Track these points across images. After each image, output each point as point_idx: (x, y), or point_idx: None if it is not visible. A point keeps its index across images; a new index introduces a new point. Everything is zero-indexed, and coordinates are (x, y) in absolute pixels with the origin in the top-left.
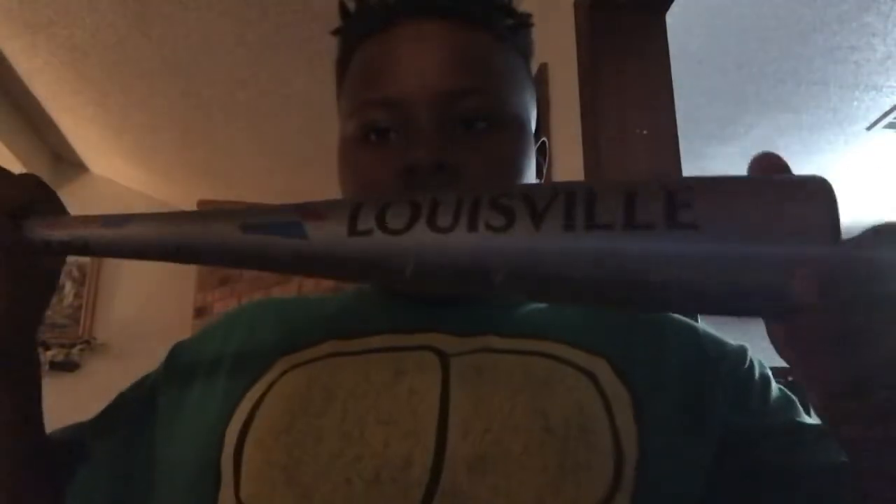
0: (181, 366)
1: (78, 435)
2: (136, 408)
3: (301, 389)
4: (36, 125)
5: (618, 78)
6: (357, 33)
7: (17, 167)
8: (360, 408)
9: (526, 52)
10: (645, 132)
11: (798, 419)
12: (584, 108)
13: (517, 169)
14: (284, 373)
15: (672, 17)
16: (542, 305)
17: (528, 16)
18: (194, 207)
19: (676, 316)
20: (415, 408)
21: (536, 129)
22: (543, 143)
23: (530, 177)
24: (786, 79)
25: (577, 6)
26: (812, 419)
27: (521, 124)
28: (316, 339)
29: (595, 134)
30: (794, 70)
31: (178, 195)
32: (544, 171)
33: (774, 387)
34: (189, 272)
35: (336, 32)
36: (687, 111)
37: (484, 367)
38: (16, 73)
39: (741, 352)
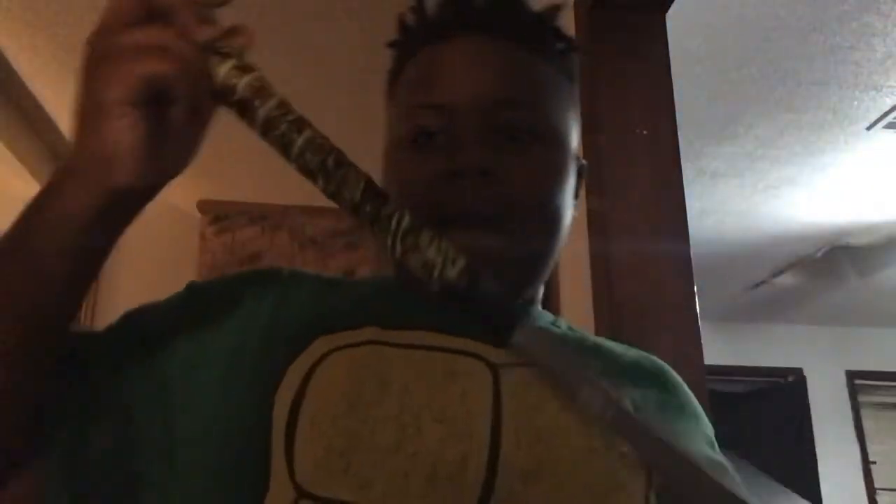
0: (202, 313)
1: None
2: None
3: (352, 375)
4: (36, 125)
5: (618, 78)
6: (413, 44)
7: (16, 167)
8: (415, 402)
9: (571, 77)
10: (645, 132)
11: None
12: (584, 108)
13: (556, 184)
14: (327, 354)
15: (672, 17)
16: (566, 328)
17: (575, 42)
18: (194, 207)
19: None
20: (468, 410)
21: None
22: (583, 165)
23: (568, 194)
24: (786, 79)
25: (577, 6)
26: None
27: (563, 142)
28: (355, 323)
29: (595, 134)
30: (794, 70)
31: (178, 195)
32: (579, 193)
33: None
34: (189, 272)
35: (392, 45)
36: (687, 111)
37: (532, 381)
38: (16, 73)
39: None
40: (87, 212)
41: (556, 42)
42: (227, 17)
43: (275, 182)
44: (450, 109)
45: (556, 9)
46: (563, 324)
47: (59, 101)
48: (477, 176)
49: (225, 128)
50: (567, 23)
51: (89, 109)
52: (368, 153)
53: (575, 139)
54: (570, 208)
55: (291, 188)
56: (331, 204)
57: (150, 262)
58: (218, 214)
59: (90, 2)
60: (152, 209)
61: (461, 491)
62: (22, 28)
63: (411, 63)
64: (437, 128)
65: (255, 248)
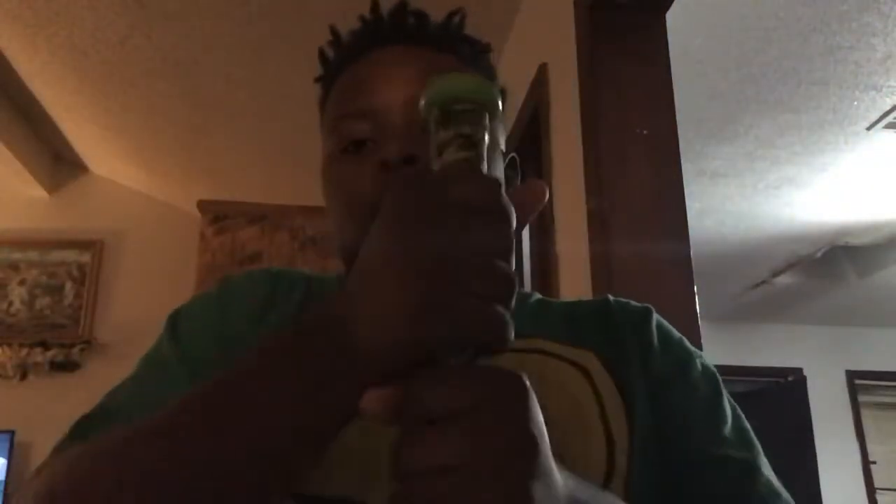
0: (239, 318)
1: None
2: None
3: None
4: (36, 125)
5: (618, 78)
6: (336, 68)
7: (17, 167)
8: None
9: (490, 76)
10: (645, 132)
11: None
12: (584, 108)
13: None
14: None
15: (672, 17)
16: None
17: (487, 44)
18: (194, 207)
19: (636, 307)
20: None
21: (512, 147)
22: (513, 158)
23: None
24: (786, 79)
25: (577, 6)
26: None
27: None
28: None
29: (595, 134)
30: (794, 70)
31: (178, 195)
32: (515, 183)
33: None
34: (189, 272)
35: (318, 80)
36: (687, 111)
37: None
38: (16, 73)
39: (693, 354)
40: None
41: (467, 46)
42: (231, 20)
43: (275, 182)
44: (374, 113)
45: (457, 14)
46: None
47: (59, 101)
48: (404, 165)
49: (225, 128)
50: (566, 23)
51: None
52: None
53: (500, 134)
54: None
55: (291, 188)
56: None
57: (150, 262)
58: (218, 214)
59: (90, 2)
60: (152, 209)
61: None
62: (22, 28)
63: (334, 85)
64: (365, 134)
65: (255, 248)
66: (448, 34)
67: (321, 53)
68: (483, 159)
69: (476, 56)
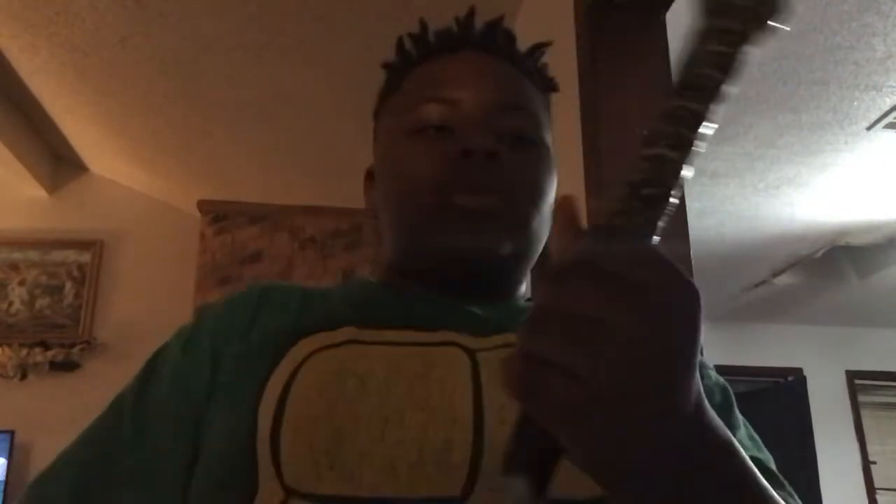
0: (210, 348)
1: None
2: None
3: (332, 375)
4: (36, 125)
5: (618, 78)
6: (417, 58)
7: (17, 167)
8: (396, 395)
9: (549, 109)
10: (645, 132)
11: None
12: (584, 108)
13: (547, 188)
14: (308, 356)
15: (672, 17)
16: None
17: (552, 80)
18: (194, 207)
19: None
20: (449, 395)
21: None
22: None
23: (552, 199)
24: (786, 79)
25: (577, 6)
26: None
27: (550, 151)
28: (333, 324)
29: (595, 134)
30: (794, 70)
31: (178, 195)
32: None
33: None
34: (189, 272)
35: (388, 65)
36: None
37: None
38: (16, 73)
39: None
40: None
41: (542, 77)
42: (231, 20)
43: (275, 182)
44: (460, 104)
45: (544, 46)
46: None
47: (59, 101)
48: (485, 157)
49: (225, 128)
50: (566, 23)
51: None
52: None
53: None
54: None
55: (291, 188)
56: (331, 204)
57: (150, 262)
58: (218, 214)
59: (90, 2)
60: (152, 209)
61: (448, 472)
62: (22, 28)
63: (414, 73)
64: (445, 122)
65: (254, 248)
66: (532, 61)
67: (400, 42)
68: (739, 62)
69: (546, 90)
